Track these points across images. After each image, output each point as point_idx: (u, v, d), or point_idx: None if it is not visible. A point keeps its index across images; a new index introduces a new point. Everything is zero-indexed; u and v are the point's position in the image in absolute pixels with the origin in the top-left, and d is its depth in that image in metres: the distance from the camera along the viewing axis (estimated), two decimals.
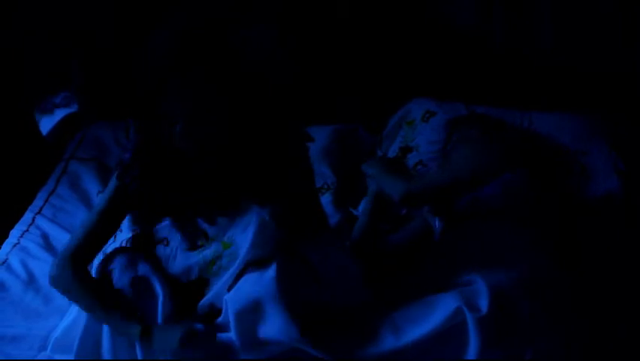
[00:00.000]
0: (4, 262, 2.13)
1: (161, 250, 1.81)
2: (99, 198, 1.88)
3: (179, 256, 1.78)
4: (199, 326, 1.63)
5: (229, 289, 1.69)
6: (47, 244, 2.22)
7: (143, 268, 1.74)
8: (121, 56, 2.45)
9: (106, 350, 1.68)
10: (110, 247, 1.94)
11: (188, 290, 1.76)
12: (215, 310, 1.72)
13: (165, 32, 1.66)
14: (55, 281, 1.77)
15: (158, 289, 1.71)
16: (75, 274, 1.73)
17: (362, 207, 2.27)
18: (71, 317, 1.87)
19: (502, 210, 2.02)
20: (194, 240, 1.79)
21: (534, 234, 1.94)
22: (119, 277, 1.73)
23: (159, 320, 1.68)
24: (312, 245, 1.79)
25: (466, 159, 2.04)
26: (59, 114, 2.85)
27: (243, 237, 1.74)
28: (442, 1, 2.59)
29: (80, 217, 2.30)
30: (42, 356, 1.85)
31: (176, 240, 1.80)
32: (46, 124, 2.87)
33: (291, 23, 2.56)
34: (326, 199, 2.40)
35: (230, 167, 1.79)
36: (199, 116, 1.68)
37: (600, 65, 2.52)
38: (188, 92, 1.65)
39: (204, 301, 1.73)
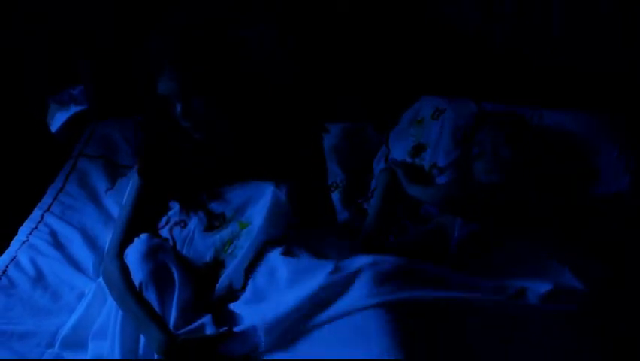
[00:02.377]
0: (12, 260, 2.14)
1: (177, 233, 1.82)
2: (129, 188, 1.90)
3: (196, 237, 1.80)
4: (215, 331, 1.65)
5: (247, 270, 1.71)
6: (56, 242, 2.21)
7: (161, 256, 1.75)
8: (123, 56, 2.46)
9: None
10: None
11: (204, 273, 1.77)
12: (232, 290, 1.73)
13: (165, 32, 1.67)
14: (105, 276, 1.82)
15: (176, 276, 1.72)
16: (121, 269, 1.77)
17: (371, 202, 2.27)
18: (79, 313, 1.91)
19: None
20: (210, 220, 1.80)
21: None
22: (140, 265, 1.74)
23: (174, 308, 1.69)
24: (321, 239, 1.80)
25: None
26: (73, 110, 2.86)
27: (259, 216, 1.77)
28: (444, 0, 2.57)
29: (88, 215, 2.33)
30: (50, 352, 1.87)
31: (193, 221, 1.82)
32: (61, 118, 2.87)
33: (291, 23, 2.55)
34: (335, 197, 2.40)
35: (235, 156, 1.81)
36: (198, 113, 1.69)
37: (601, 65, 2.50)
38: (187, 89, 1.66)
39: (222, 282, 1.73)
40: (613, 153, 2.29)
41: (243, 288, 1.72)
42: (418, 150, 2.44)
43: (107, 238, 2.03)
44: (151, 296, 1.70)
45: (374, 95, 2.70)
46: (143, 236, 1.79)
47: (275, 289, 1.68)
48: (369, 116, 2.70)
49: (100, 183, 2.47)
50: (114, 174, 2.50)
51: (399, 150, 2.48)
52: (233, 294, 1.74)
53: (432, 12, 2.58)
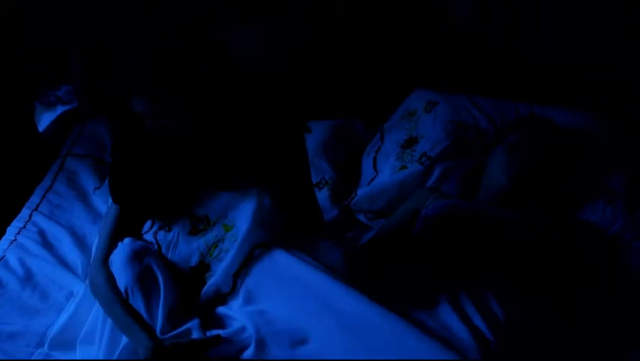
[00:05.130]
0: (1, 259, 2.13)
1: (162, 236, 1.81)
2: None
3: (180, 241, 1.79)
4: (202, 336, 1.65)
5: (235, 275, 1.71)
6: (44, 241, 2.20)
7: (146, 259, 1.74)
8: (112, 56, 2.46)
9: None
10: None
11: (190, 277, 1.76)
12: (220, 295, 1.73)
13: (139, 49, 1.66)
14: (91, 284, 1.81)
15: (161, 281, 1.72)
16: (107, 277, 1.77)
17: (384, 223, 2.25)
18: (68, 313, 1.91)
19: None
20: (194, 224, 1.80)
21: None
22: (125, 270, 1.73)
23: (160, 313, 1.69)
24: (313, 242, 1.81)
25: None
26: (60, 110, 2.85)
27: (243, 219, 1.76)
28: None
29: (77, 214, 2.32)
30: (39, 352, 1.87)
31: (178, 225, 1.81)
32: (48, 119, 2.85)
33: (290, 22, 2.55)
34: (324, 194, 2.41)
35: (216, 160, 1.80)
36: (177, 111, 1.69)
37: (598, 62, 2.51)
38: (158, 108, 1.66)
39: (209, 286, 1.73)
40: (602, 150, 2.30)
41: (232, 292, 1.73)
42: (411, 142, 2.45)
43: (96, 237, 2.04)
44: (137, 301, 1.70)
45: (364, 91, 2.70)
46: (127, 240, 1.79)
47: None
48: (360, 112, 2.70)
49: (88, 182, 2.45)
50: (102, 172, 2.48)
51: (392, 143, 2.50)
52: (222, 298, 1.74)
53: (429, 6, 2.60)
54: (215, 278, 1.73)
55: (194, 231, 1.80)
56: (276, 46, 2.48)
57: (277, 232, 1.77)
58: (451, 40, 2.60)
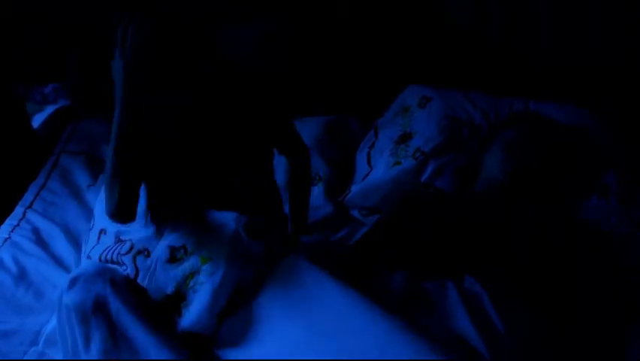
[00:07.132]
0: None
1: (141, 261, 1.83)
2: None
3: (158, 269, 1.77)
4: None
5: (220, 315, 1.68)
6: (38, 239, 2.21)
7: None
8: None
9: None
10: (93, 250, 1.98)
11: (164, 305, 1.73)
12: (202, 339, 1.68)
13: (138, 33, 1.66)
14: None
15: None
16: None
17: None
18: None
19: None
20: (172, 252, 1.78)
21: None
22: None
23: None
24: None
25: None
26: (50, 109, 2.82)
27: (219, 252, 1.73)
28: None
29: (71, 211, 2.32)
30: (33, 351, 1.88)
31: (156, 251, 1.80)
32: (38, 119, 2.83)
33: (287, 19, 2.52)
34: (318, 190, 2.41)
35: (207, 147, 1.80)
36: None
37: (597, 62, 2.49)
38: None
39: (186, 323, 1.68)
40: (598, 147, 2.29)
41: (215, 334, 1.68)
42: (405, 138, 2.45)
43: (89, 232, 2.07)
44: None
45: (358, 87, 2.69)
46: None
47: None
48: (352, 109, 2.69)
49: (82, 180, 2.46)
50: (96, 169, 2.49)
51: (386, 139, 2.49)
52: (203, 339, 1.69)
53: (425, 9, 2.56)
54: (189, 318, 1.67)
55: (172, 259, 1.77)
56: (275, 46, 2.45)
57: (255, 264, 1.74)
58: (451, 40, 2.58)
